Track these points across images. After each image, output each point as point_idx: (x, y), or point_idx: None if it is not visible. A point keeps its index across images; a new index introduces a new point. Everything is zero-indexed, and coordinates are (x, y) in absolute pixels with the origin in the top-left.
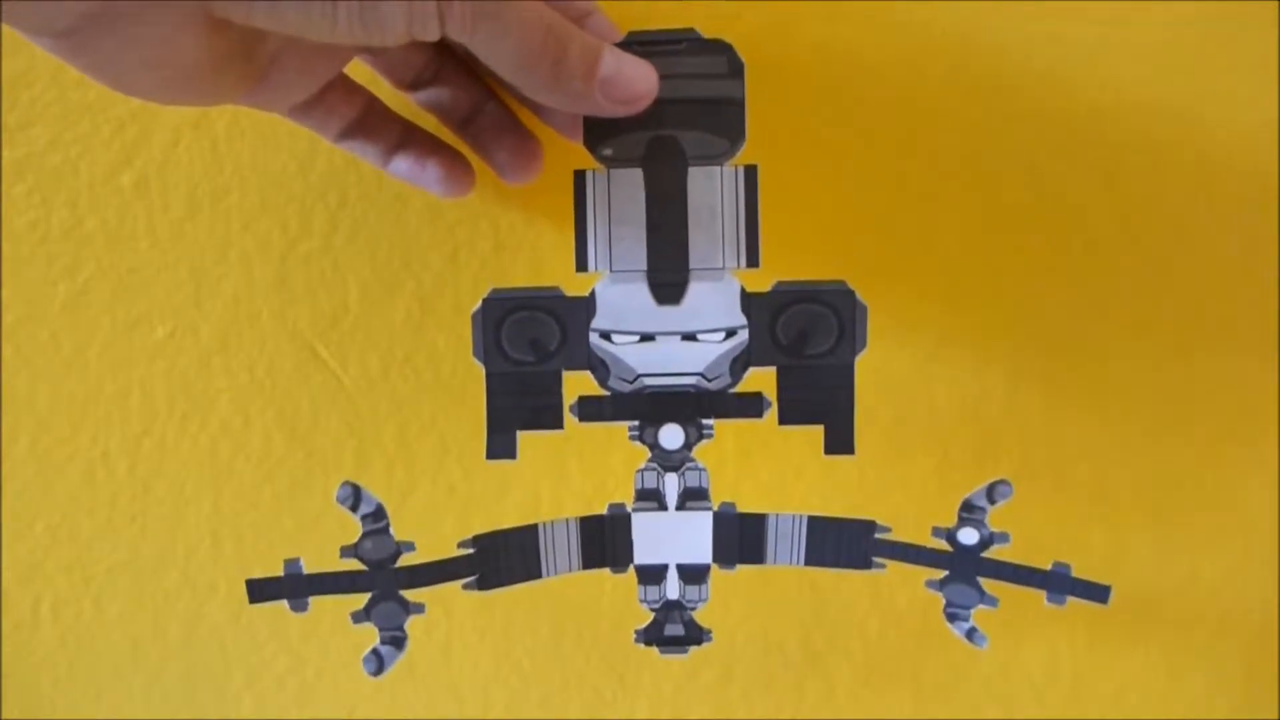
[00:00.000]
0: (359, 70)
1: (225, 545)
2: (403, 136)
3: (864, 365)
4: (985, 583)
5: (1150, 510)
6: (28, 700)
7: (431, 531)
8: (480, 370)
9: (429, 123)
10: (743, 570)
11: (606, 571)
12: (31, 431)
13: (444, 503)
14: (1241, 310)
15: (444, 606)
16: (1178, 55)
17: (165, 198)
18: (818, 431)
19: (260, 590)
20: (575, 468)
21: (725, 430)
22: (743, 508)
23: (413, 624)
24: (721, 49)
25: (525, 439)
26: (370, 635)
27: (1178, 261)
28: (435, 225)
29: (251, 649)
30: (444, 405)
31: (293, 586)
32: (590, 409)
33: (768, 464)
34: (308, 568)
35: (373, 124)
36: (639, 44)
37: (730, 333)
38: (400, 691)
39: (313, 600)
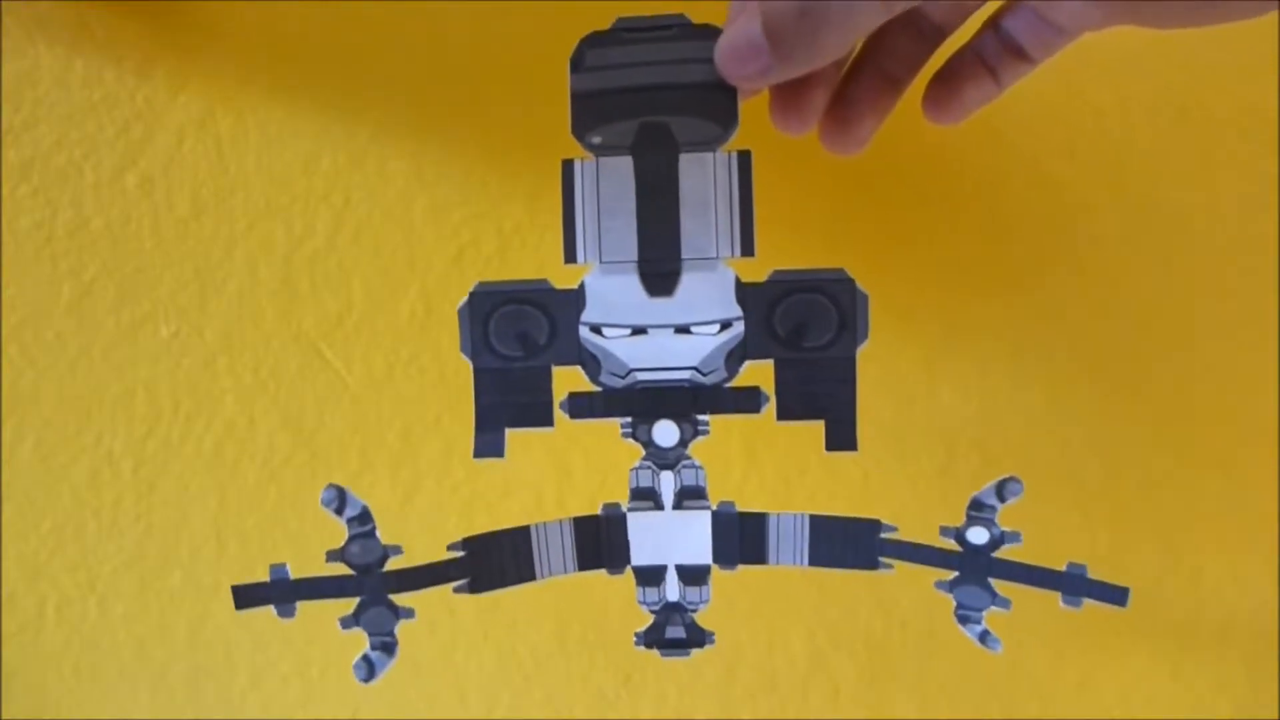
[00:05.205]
0: None
1: (230, 545)
2: None
3: (867, 365)
4: (997, 584)
5: (1154, 511)
6: (31, 700)
7: (435, 531)
8: None
9: None
10: (747, 572)
11: (604, 573)
12: (36, 431)
13: (448, 502)
14: (1244, 310)
15: (447, 606)
16: (1179, 54)
17: (170, 198)
18: (820, 430)
19: (246, 596)
20: (579, 466)
21: (727, 429)
22: (743, 508)
23: (417, 623)
24: (711, 34)
25: (533, 437)
26: (363, 641)
27: (1180, 261)
28: (439, 226)
29: (256, 649)
30: (448, 405)
31: (279, 592)
32: (580, 405)
33: (769, 463)
34: (305, 571)
35: None
36: (627, 30)
37: (725, 324)
38: (404, 691)
39: (310, 603)
